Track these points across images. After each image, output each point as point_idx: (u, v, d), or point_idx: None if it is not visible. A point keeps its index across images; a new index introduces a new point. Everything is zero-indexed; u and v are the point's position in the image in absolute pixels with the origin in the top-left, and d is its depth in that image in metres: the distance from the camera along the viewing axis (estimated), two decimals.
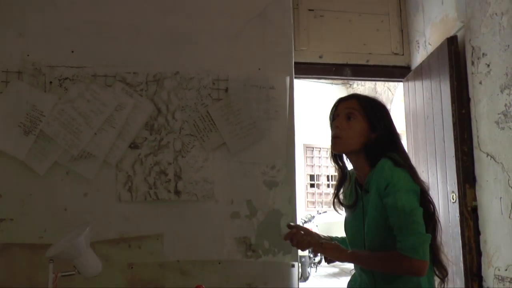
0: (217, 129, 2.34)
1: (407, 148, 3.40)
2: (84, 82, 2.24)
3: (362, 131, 1.53)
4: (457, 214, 2.57)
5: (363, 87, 8.21)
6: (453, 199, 2.62)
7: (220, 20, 2.45)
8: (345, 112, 1.56)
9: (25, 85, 2.19)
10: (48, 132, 2.16)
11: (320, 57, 3.44)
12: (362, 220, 1.50)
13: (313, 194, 9.23)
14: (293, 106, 2.47)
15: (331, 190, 9.48)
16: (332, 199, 1.65)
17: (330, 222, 8.60)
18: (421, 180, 1.45)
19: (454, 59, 2.65)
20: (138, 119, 2.26)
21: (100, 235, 2.20)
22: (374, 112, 1.55)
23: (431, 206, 1.43)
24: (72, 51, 2.28)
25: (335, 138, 1.55)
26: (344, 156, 1.62)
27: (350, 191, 1.61)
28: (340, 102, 1.60)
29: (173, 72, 2.33)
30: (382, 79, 3.62)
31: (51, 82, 2.22)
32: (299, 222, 7.99)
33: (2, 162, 2.17)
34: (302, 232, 1.53)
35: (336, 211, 1.66)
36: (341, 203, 1.64)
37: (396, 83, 6.21)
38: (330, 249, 1.51)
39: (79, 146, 2.17)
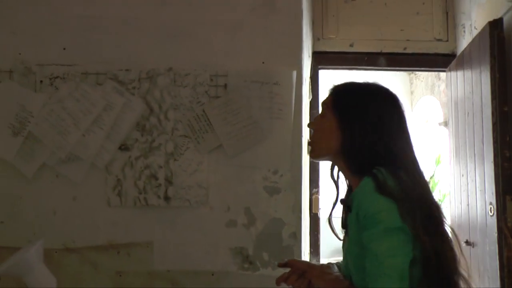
0: (214, 130, 2.15)
1: (450, 147, 3.00)
2: (74, 80, 2.14)
3: (331, 131, 1.18)
4: (495, 230, 2.19)
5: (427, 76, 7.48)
6: (491, 212, 2.24)
7: (220, 9, 2.23)
8: (321, 109, 1.27)
9: (15, 85, 2.13)
10: (36, 133, 2.09)
11: (351, 45, 3.13)
12: (347, 244, 1.21)
13: None
14: (301, 104, 2.21)
15: None
16: (327, 217, 1.33)
17: None
18: (421, 215, 1.02)
19: (497, 46, 2.24)
20: (127, 120, 2.12)
21: (88, 240, 2.12)
22: (347, 103, 1.18)
23: (429, 257, 1.01)
24: (64, 49, 2.19)
25: (308, 143, 1.31)
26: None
27: None
28: None
29: (167, 68, 2.16)
30: (422, 68, 3.23)
31: (41, 81, 2.15)
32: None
33: None
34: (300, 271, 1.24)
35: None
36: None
37: None
38: (316, 275, 1.23)
39: (66, 148, 2.08)
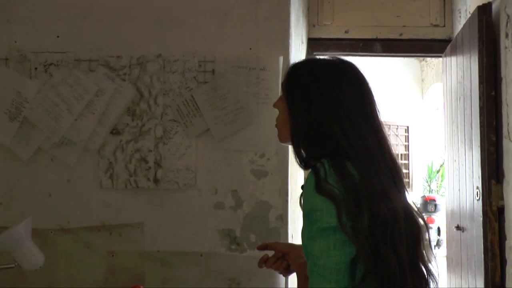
0: (202, 114, 2.20)
1: (444, 133, 3.00)
2: (67, 67, 2.22)
3: (285, 115, 1.11)
4: (481, 214, 2.20)
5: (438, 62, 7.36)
6: (477, 196, 2.25)
7: None
8: None
9: (11, 72, 2.22)
10: (31, 118, 2.18)
11: (346, 32, 3.14)
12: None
13: None
14: None
15: None
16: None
17: None
18: (368, 215, 0.96)
19: (486, 31, 2.24)
20: (118, 105, 2.19)
21: (82, 221, 2.21)
22: (292, 85, 1.09)
23: (367, 258, 0.95)
24: (58, 36, 2.26)
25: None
26: None
27: None
28: None
29: (156, 54, 2.22)
30: (418, 54, 3.24)
31: (36, 68, 2.23)
32: None
33: None
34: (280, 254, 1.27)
35: None
36: None
37: None
38: (292, 258, 1.26)
39: (59, 133, 2.17)
